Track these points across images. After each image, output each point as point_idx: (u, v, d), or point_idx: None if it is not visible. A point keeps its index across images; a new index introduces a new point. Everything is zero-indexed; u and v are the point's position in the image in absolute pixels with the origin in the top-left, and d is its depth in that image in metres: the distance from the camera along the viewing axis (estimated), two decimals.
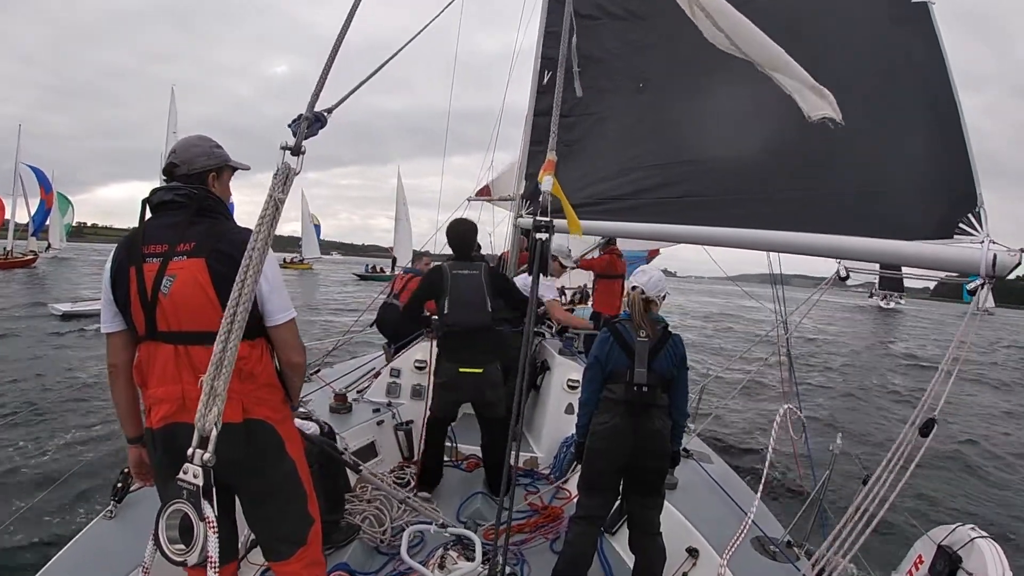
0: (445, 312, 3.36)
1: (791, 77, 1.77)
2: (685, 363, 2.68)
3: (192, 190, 1.68)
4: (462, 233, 3.54)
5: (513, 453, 2.12)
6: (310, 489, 1.82)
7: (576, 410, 2.96)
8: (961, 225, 1.64)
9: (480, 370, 3.40)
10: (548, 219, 2.03)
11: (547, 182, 2.05)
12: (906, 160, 1.78)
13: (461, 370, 3.41)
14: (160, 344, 1.61)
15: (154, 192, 1.71)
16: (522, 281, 4.26)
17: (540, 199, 2.04)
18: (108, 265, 1.68)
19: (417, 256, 6.41)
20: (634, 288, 2.62)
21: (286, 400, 1.78)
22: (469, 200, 6.61)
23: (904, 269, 2.06)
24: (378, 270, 47.57)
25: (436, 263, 3.99)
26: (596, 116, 3.01)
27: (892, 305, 55.61)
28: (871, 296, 58.01)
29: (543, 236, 2.02)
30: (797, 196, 2.07)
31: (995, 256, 1.55)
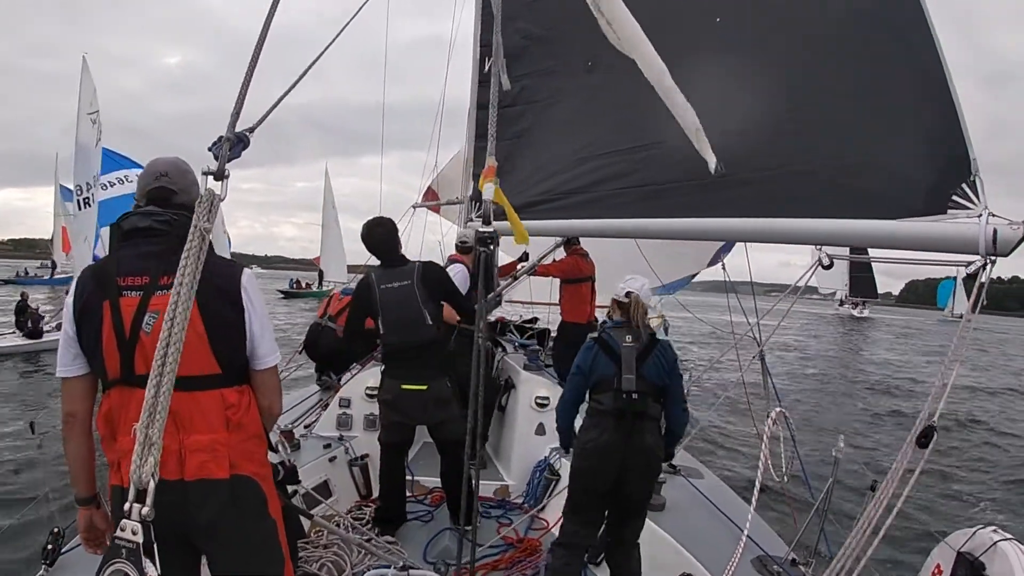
0: (382, 332, 3.22)
1: (673, 107, 1.68)
2: (677, 370, 2.66)
3: (172, 216, 1.60)
4: (377, 236, 3.32)
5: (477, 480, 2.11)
6: (287, 551, 1.75)
7: (547, 429, 2.84)
8: (955, 198, 1.50)
9: (424, 386, 3.24)
10: (492, 229, 1.98)
11: (488, 190, 2.00)
12: (885, 123, 1.64)
13: (404, 387, 3.26)
14: (136, 390, 1.48)
15: (125, 217, 1.62)
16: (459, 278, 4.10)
17: (482, 208, 1.99)
18: (70, 299, 1.58)
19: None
20: (629, 294, 2.71)
21: (267, 453, 1.74)
22: (415, 207, 6.33)
23: (879, 253, 1.93)
24: (303, 285, 43.08)
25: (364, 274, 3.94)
26: (544, 102, 2.84)
27: (866, 313, 54.09)
28: (841, 304, 55.93)
29: (487, 247, 2.00)
30: (769, 177, 1.92)
31: (995, 231, 1.42)
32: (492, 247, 2.01)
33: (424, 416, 3.33)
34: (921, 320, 61.42)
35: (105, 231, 10.35)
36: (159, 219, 1.58)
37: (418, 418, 3.36)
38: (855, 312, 53.34)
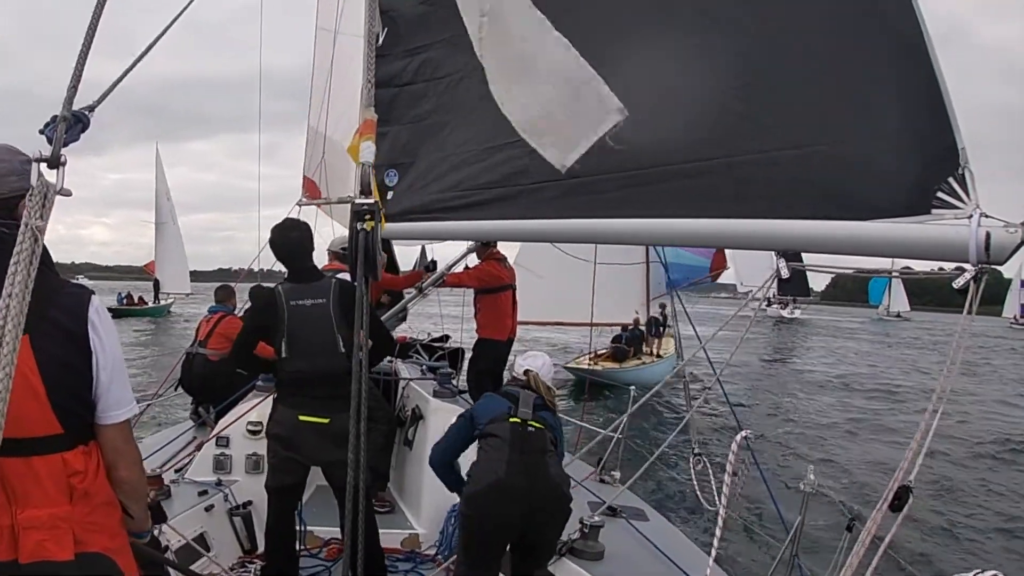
0: (283, 356, 2.95)
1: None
2: (561, 435, 2.78)
3: (3, 228, 1.37)
4: (289, 242, 3.09)
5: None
6: None
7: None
8: (940, 195, 1.28)
9: (326, 420, 2.95)
10: (372, 201, 1.75)
11: (367, 150, 1.73)
12: (856, 104, 1.43)
13: (302, 418, 2.96)
14: None
15: None
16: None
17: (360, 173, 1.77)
18: None
19: (227, 293, 5.59)
20: (527, 372, 2.83)
21: (123, 519, 1.55)
22: (300, 205, 5.86)
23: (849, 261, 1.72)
24: (136, 300, 35.69)
25: (266, 285, 3.57)
26: (448, 79, 2.49)
27: (797, 314, 51.69)
28: (769, 304, 50.09)
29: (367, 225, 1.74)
30: (712, 168, 1.67)
31: (988, 234, 1.22)
32: (374, 224, 1.74)
33: (322, 454, 3.04)
34: (856, 321, 58.88)
35: None
36: None
37: (315, 456, 3.07)
38: (784, 313, 51.03)
